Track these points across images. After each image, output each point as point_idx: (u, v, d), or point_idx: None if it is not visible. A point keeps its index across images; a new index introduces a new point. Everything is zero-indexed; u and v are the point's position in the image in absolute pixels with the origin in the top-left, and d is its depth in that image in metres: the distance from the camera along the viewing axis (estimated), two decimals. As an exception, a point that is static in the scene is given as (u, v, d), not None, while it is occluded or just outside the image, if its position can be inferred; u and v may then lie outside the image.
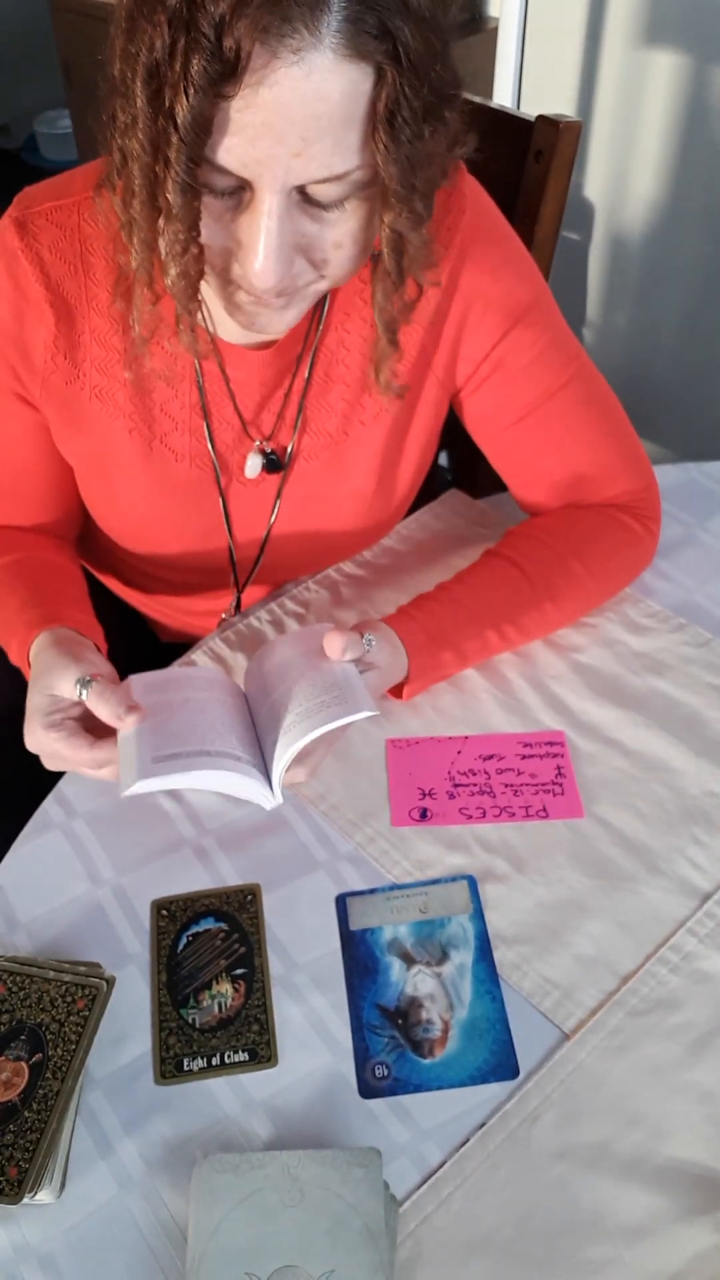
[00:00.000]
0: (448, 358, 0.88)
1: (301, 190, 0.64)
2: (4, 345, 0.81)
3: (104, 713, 0.74)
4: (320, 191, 0.64)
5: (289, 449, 0.89)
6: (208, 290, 0.79)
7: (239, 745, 0.75)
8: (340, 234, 0.68)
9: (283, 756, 0.74)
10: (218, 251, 0.68)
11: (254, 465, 0.89)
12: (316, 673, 0.77)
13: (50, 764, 0.79)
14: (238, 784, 0.74)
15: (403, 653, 0.84)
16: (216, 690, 0.81)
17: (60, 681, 0.76)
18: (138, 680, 0.80)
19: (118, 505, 0.91)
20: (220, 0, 0.56)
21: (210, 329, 0.83)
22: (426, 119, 0.63)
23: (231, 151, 0.61)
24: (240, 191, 0.65)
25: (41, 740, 0.76)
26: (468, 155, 0.71)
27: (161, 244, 0.67)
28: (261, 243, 0.65)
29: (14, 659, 0.84)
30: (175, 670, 0.83)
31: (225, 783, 0.74)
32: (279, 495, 0.91)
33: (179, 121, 0.59)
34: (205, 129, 0.60)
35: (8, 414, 0.86)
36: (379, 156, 0.63)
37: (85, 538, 1.01)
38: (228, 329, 0.82)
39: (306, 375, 0.86)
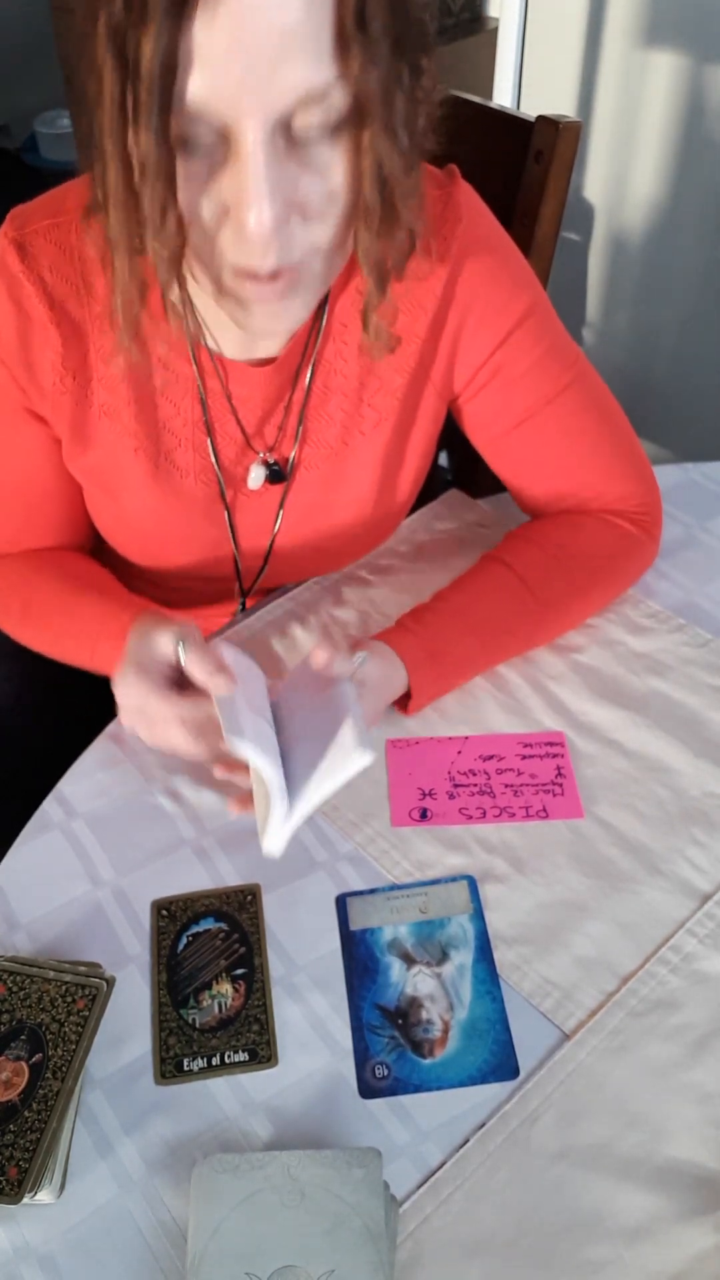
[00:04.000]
0: (445, 366, 0.87)
1: (285, 131, 0.61)
2: (14, 369, 0.81)
3: (198, 670, 0.74)
4: (304, 122, 0.61)
5: (290, 459, 0.89)
6: (207, 305, 0.79)
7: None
8: (333, 183, 0.65)
9: (297, 817, 0.72)
10: (210, 226, 0.65)
11: (257, 476, 0.89)
12: (317, 718, 0.75)
13: (129, 718, 0.78)
14: (276, 808, 0.72)
15: (401, 670, 0.84)
16: (265, 691, 0.81)
17: (160, 638, 0.76)
18: (225, 646, 0.80)
19: (125, 521, 0.91)
20: None
21: (214, 347, 0.83)
22: (397, 22, 0.61)
23: (204, 85, 0.58)
24: (221, 147, 0.62)
25: (132, 686, 0.76)
26: (444, 94, 0.68)
27: (142, 213, 0.63)
28: (251, 186, 0.61)
29: (103, 652, 0.82)
30: (243, 656, 0.82)
31: (275, 796, 0.72)
32: (282, 505, 0.91)
33: (144, 65, 0.57)
34: (171, 65, 0.57)
35: (25, 437, 0.86)
36: (355, 65, 0.59)
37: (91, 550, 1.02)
38: (229, 343, 0.82)
39: (306, 386, 0.86)
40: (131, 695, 0.76)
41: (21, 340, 0.80)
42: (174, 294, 0.74)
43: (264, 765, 0.70)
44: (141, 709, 0.76)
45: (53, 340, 0.80)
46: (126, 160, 0.62)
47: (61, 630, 0.88)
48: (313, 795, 0.71)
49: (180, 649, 0.76)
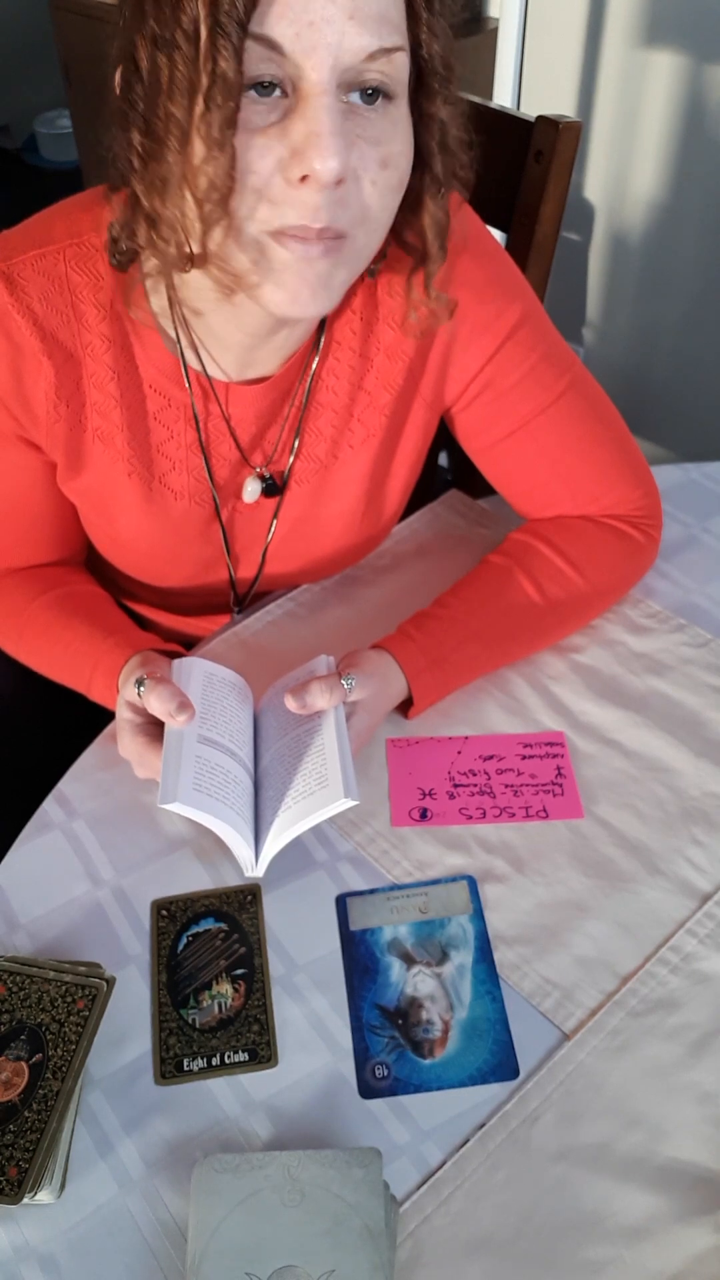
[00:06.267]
0: (435, 380, 0.87)
1: (347, 92, 0.63)
2: (7, 401, 0.81)
3: (157, 708, 0.77)
4: (368, 72, 0.63)
5: (285, 473, 0.89)
6: (205, 329, 0.79)
7: (248, 797, 0.77)
8: (385, 151, 0.66)
9: (273, 844, 0.74)
10: (262, 177, 0.64)
11: (252, 490, 0.88)
12: (307, 744, 0.77)
13: (140, 772, 0.82)
14: (237, 846, 0.75)
15: (400, 679, 0.84)
16: (246, 710, 0.83)
17: (127, 691, 0.80)
18: (198, 664, 0.83)
19: (120, 541, 0.91)
20: None
21: (211, 371, 0.82)
22: (448, 7, 0.66)
23: (284, 17, 0.60)
24: (284, 101, 0.63)
25: (130, 747, 0.80)
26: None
27: (195, 148, 0.63)
28: (325, 131, 0.61)
29: (98, 686, 0.86)
30: (222, 669, 0.85)
31: (230, 838, 0.74)
32: (275, 516, 0.91)
33: None
34: None
35: (17, 464, 0.86)
36: (423, 34, 0.65)
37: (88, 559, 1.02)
38: (228, 363, 0.82)
39: (304, 402, 0.86)
40: (133, 754, 0.81)
41: (13, 373, 0.79)
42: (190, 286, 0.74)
43: (206, 821, 0.73)
44: (143, 763, 0.81)
45: (45, 370, 0.79)
46: (192, 89, 0.62)
47: (57, 663, 0.90)
48: (292, 828, 0.73)
49: (139, 691, 0.78)
